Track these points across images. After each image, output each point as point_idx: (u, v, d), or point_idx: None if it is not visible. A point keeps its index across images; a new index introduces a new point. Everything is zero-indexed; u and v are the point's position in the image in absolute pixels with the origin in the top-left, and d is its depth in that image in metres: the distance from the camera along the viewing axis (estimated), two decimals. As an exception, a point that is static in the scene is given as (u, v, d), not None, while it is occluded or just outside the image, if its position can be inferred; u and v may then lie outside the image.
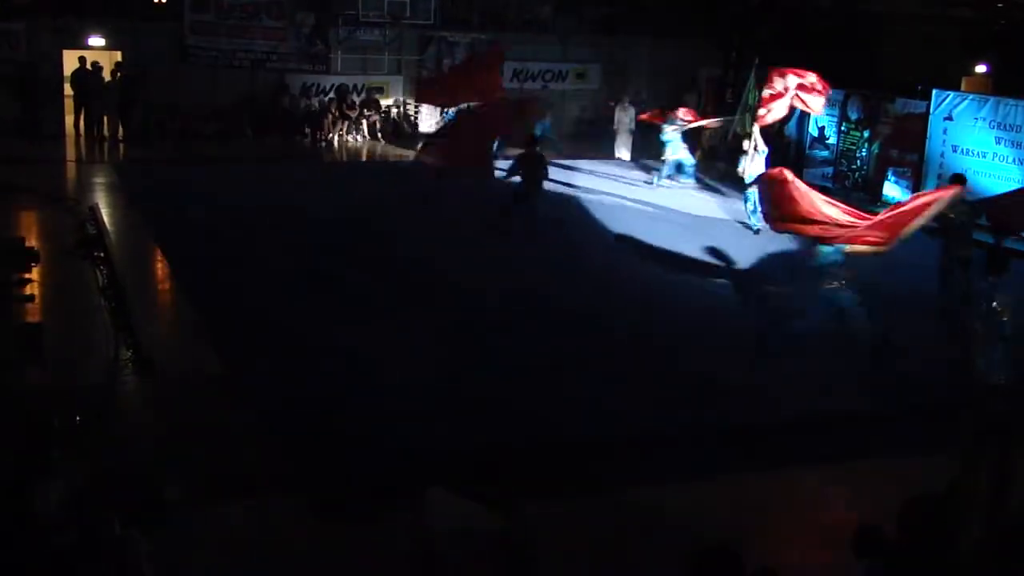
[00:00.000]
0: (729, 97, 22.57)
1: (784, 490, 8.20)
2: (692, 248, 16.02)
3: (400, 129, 25.59)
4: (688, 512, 7.72)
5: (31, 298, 11.39)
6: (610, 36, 27.29)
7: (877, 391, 10.38)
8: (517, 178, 16.07)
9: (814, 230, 11.15)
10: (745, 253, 15.87)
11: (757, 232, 17.11)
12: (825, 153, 21.24)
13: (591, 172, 21.85)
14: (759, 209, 15.26)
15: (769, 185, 12.18)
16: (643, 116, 21.57)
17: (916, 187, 18.46)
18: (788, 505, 7.92)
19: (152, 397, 9.49)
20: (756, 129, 17.37)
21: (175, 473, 7.81)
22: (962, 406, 9.21)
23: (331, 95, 25.13)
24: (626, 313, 12.56)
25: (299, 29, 24.47)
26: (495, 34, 26.26)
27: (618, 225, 17.10)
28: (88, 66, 22.93)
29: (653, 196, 19.78)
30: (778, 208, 11.65)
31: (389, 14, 24.63)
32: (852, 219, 11.09)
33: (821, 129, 21.03)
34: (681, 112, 20.44)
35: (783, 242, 15.09)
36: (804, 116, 21.10)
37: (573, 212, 18.15)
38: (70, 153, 22.11)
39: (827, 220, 11.09)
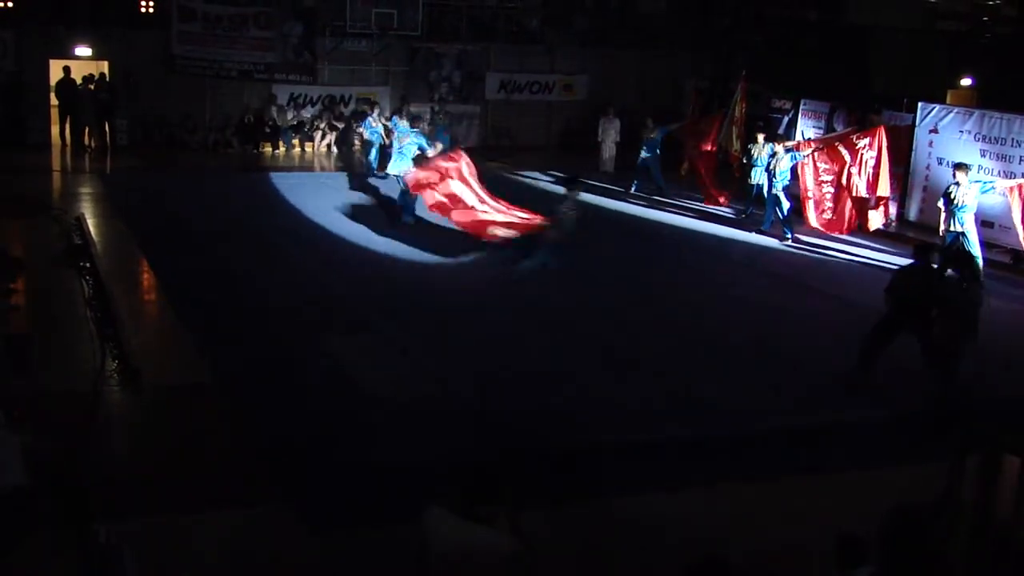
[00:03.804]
0: (716, 109, 22.63)
1: (772, 500, 8.20)
2: (672, 260, 16.07)
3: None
4: (678, 522, 7.71)
5: (16, 308, 11.33)
6: (598, 47, 27.34)
7: (863, 400, 10.40)
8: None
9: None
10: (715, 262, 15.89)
11: (787, 239, 17.25)
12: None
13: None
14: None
15: None
16: None
17: (901, 199, 18.54)
18: (775, 515, 7.92)
19: (139, 407, 9.44)
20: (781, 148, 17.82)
21: (163, 483, 7.77)
22: (949, 416, 9.27)
23: (319, 106, 25.19)
24: (616, 321, 12.57)
25: (287, 40, 24.47)
26: (483, 45, 26.31)
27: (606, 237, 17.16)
28: (73, 76, 22.92)
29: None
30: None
31: (377, 25, 24.67)
32: None
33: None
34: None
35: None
36: (790, 127, 21.18)
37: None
38: (56, 163, 22.05)
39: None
